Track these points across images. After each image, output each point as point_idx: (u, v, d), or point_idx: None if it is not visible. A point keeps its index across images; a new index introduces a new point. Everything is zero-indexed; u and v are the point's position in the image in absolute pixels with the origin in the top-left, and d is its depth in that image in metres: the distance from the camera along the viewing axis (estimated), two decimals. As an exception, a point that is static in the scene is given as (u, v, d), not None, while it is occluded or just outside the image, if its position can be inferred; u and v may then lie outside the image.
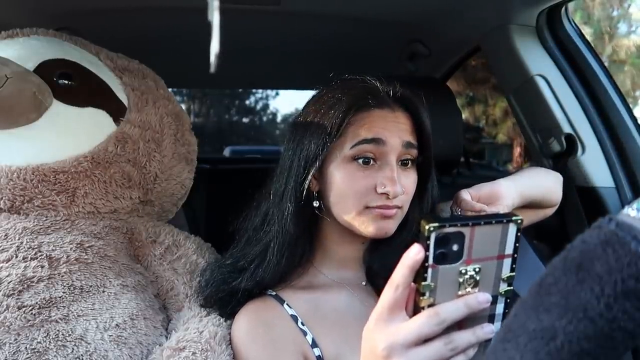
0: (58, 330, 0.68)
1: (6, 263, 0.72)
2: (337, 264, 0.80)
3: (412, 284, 0.48)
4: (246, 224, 0.81)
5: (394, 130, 0.72)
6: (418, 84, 0.82)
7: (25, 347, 0.65)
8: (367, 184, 0.71)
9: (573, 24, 1.17)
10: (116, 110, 0.88)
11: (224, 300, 0.77)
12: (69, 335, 0.68)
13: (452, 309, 0.46)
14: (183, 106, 1.26)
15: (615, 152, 1.10)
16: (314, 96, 0.80)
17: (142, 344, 0.74)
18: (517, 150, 9.30)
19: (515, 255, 0.47)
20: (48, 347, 0.66)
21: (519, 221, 0.46)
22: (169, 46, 1.51)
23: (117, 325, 0.73)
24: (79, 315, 0.71)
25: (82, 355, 0.67)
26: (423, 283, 0.46)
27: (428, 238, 0.44)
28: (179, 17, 1.28)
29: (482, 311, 0.47)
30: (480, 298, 0.47)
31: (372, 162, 0.72)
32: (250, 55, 1.65)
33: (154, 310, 0.81)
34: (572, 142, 1.12)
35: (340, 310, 0.75)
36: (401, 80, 0.79)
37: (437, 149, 0.79)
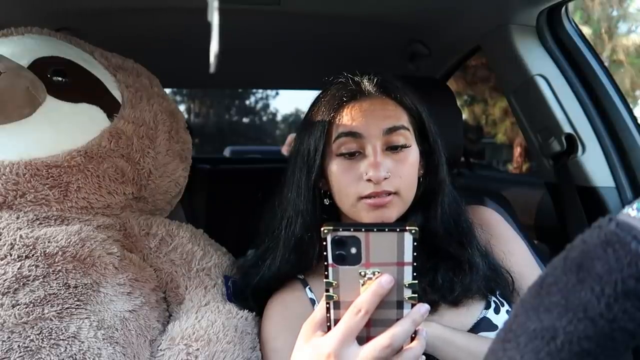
0: (51, 328, 0.67)
1: (0, 261, 0.72)
2: None
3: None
4: (265, 230, 0.86)
5: (371, 121, 0.74)
6: (418, 84, 0.82)
7: (18, 345, 0.65)
8: (354, 173, 0.74)
9: (573, 24, 1.17)
10: (110, 107, 0.88)
11: (257, 294, 0.82)
12: (62, 333, 0.68)
13: (363, 298, 0.49)
14: (183, 106, 1.26)
15: (615, 152, 1.10)
16: (312, 104, 0.85)
17: (136, 341, 0.74)
18: (517, 150, 9.29)
19: (415, 264, 0.50)
20: (41, 346, 0.66)
21: (414, 231, 0.49)
22: (169, 46, 1.51)
23: (111, 323, 0.72)
24: (72, 314, 0.70)
25: (75, 354, 0.66)
26: (325, 280, 0.50)
27: (325, 239, 0.49)
28: (178, 17, 1.28)
29: (390, 314, 0.51)
30: (382, 280, 0.49)
31: (356, 154, 0.75)
32: (250, 55, 1.65)
33: (150, 307, 0.80)
34: (572, 142, 1.12)
35: None
36: (401, 81, 0.79)
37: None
